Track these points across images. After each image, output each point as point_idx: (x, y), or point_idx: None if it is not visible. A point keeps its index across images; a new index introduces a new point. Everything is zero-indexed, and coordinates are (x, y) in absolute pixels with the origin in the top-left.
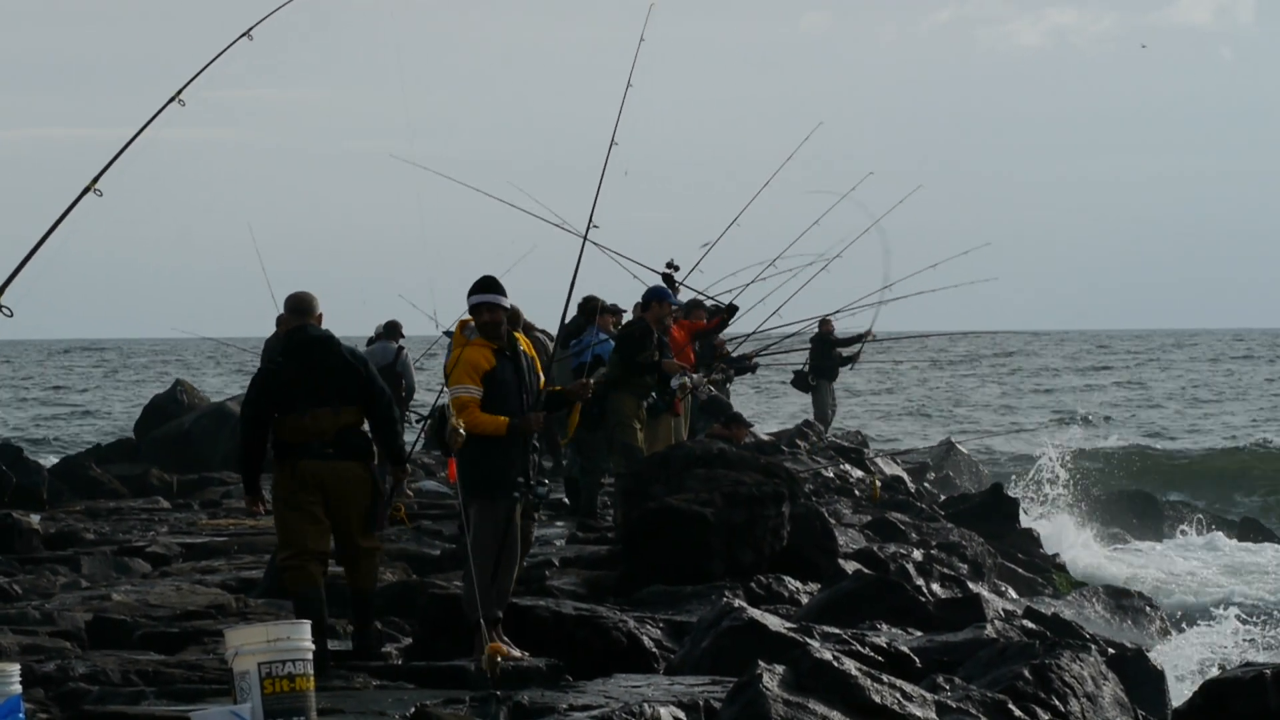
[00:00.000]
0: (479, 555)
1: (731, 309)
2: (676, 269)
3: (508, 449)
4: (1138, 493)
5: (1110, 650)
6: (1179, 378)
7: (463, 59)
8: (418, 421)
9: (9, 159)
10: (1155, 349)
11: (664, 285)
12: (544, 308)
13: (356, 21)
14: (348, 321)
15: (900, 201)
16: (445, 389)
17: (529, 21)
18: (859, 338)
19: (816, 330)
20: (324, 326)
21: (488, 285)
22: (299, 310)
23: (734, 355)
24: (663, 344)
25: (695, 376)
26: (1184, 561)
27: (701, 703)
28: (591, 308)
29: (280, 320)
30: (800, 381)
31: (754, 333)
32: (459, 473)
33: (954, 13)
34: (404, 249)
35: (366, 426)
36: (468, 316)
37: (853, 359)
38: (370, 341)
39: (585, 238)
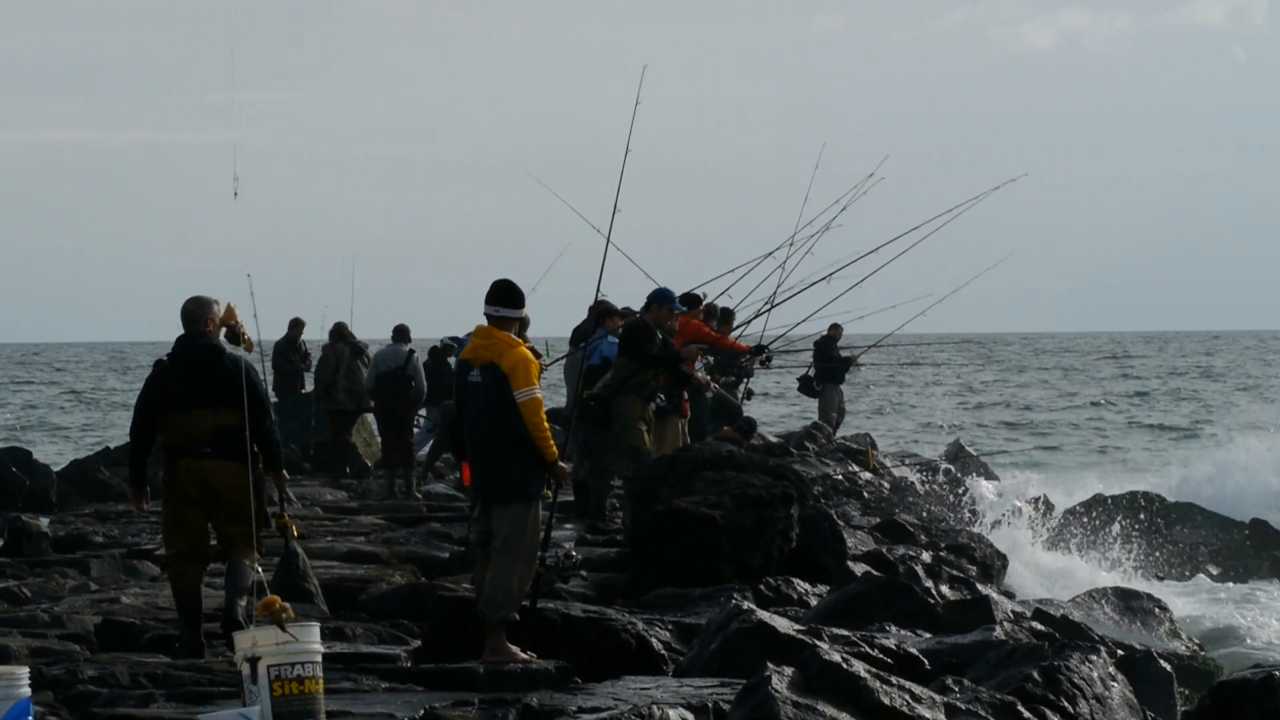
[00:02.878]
0: (521, 555)
1: (761, 349)
2: (705, 296)
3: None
4: None
5: (1119, 652)
6: None
7: (467, 59)
8: (431, 430)
9: (15, 161)
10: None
11: (668, 289)
12: (558, 309)
13: (364, 24)
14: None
15: (913, 229)
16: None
17: (532, 22)
18: (848, 362)
19: (824, 334)
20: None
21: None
22: (188, 320)
23: (752, 349)
24: (667, 345)
25: (706, 376)
26: None
27: (710, 705)
28: (601, 310)
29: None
30: (806, 386)
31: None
32: (496, 475)
33: (967, 14)
34: (412, 250)
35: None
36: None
37: (849, 364)
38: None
39: (608, 239)
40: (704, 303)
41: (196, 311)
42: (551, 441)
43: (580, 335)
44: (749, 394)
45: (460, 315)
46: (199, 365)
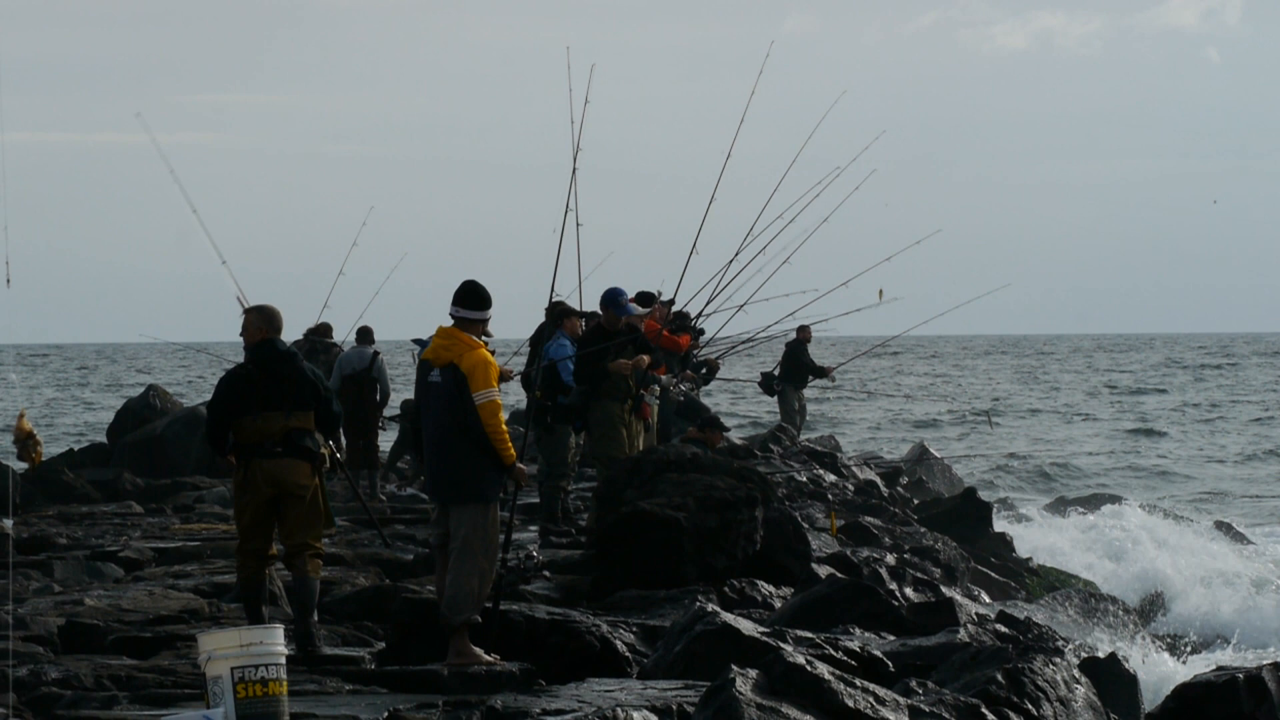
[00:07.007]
0: (479, 556)
1: (699, 332)
2: (659, 294)
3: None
4: None
5: (1083, 654)
6: None
7: (448, 59)
8: (393, 420)
9: None
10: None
11: (616, 290)
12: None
13: (335, 26)
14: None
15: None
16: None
17: (515, 21)
18: (822, 371)
19: (794, 336)
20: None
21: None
22: (272, 325)
23: (698, 359)
24: (633, 330)
25: (666, 378)
26: None
27: (675, 707)
28: (559, 312)
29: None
30: (766, 384)
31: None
32: (453, 476)
33: (939, 15)
34: (380, 249)
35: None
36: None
37: (823, 375)
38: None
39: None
40: (658, 300)
41: (278, 318)
42: (509, 444)
43: (539, 338)
44: (708, 377)
45: (433, 316)
46: (279, 370)
